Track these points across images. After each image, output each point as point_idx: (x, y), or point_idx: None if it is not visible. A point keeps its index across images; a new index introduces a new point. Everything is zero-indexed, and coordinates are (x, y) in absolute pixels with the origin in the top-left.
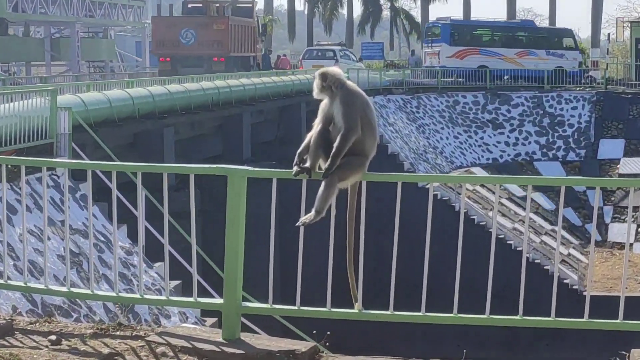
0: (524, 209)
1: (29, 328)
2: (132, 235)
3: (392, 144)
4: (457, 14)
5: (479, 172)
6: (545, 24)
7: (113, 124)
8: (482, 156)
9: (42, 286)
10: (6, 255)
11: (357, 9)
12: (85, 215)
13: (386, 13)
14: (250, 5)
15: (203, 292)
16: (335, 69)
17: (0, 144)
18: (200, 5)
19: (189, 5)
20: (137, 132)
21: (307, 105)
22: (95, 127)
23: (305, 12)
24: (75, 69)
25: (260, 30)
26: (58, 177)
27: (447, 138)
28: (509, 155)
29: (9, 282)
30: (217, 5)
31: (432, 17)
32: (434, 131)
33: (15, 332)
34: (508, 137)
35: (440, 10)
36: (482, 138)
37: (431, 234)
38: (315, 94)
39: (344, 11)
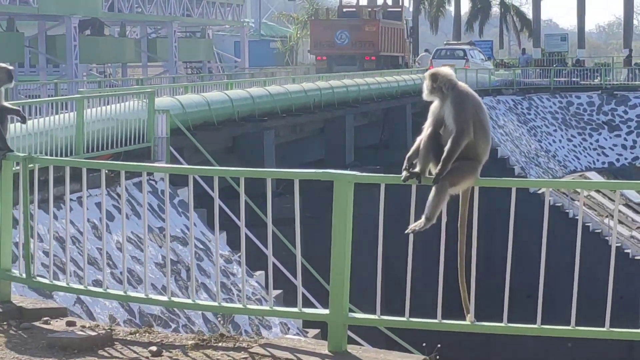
0: None
1: (128, 338)
2: (231, 243)
3: (502, 147)
4: (571, 9)
5: (594, 176)
6: None
7: (212, 127)
8: (598, 160)
9: (142, 295)
10: (105, 263)
11: (465, 6)
12: (184, 222)
13: (495, 10)
14: (400, 9)
15: (305, 302)
16: (446, 70)
17: (97, 147)
18: (354, 9)
19: (344, 10)
20: (237, 136)
21: (413, 107)
22: (194, 131)
23: (411, 9)
24: (173, 70)
25: (409, 33)
26: (156, 182)
27: (560, 141)
28: (625, 159)
29: (108, 290)
30: (370, 9)
31: (544, 14)
32: (546, 134)
33: (115, 343)
34: (625, 139)
35: (552, 6)
36: (597, 141)
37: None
38: (425, 95)
39: (451, 8)
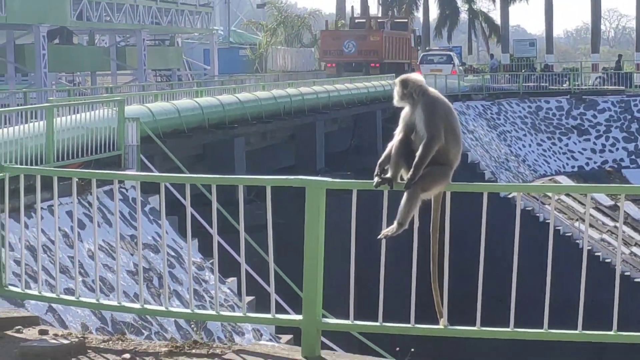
0: (612, 218)
1: (101, 346)
2: (203, 250)
3: (472, 152)
4: (539, 15)
5: (564, 180)
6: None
7: (182, 134)
8: (567, 164)
9: (114, 303)
10: (77, 271)
11: (433, 12)
12: (155, 230)
13: (464, 16)
14: (406, 20)
15: (278, 308)
16: (416, 76)
17: (68, 156)
18: (364, 20)
19: (355, 21)
20: (207, 143)
21: (383, 113)
22: (164, 138)
23: (379, 14)
24: (142, 78)
25: (416, 42)
26: (127, 190)
27: (529, 145)
28: (595, 162)
29: (80, 299)
30: (380, 20)
31: (512, 20)
32: (516, 138)
33: (88, 351)
34: (594, 143)
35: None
36: (566, 145)
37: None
38: (396, 101)
39: (419, 14)
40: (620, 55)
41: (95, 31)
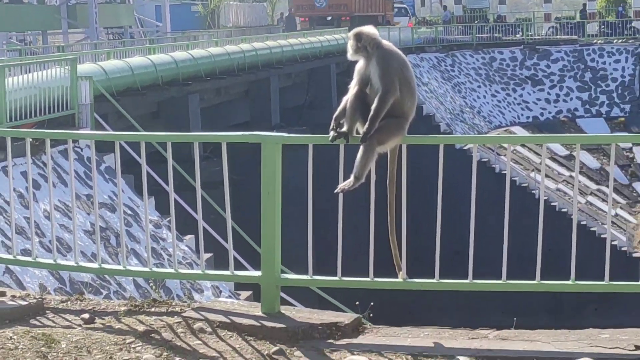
0: (567, 168)
1: (60, 307)
2: (159, 208)
3: (427, 104)
4: None
5: (519, 131)
6: None
7: (136, 92)
8: (522, 115)
9: (72, 263)
10: (33, 232)
11: None
12: (111, 189)
13: None
14: None
15: (237, 265)
16: (370, 28)
17: (21, 116)
18: None
19: None
20: (161, 101)
21: (337, 67)
22: (117, 97)
23: None
24: (94, 36)
25: None
26: (81, 149)
27: (484, 97)
28: (549, 112)
29: (37, 259)
30: None
31: None
32: (471, 90)
33: (47, 312)
34: (548, 93)
35: None
36: (521, 96)
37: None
38: (350, 55)
39: None
40: (584, 4)
41: None
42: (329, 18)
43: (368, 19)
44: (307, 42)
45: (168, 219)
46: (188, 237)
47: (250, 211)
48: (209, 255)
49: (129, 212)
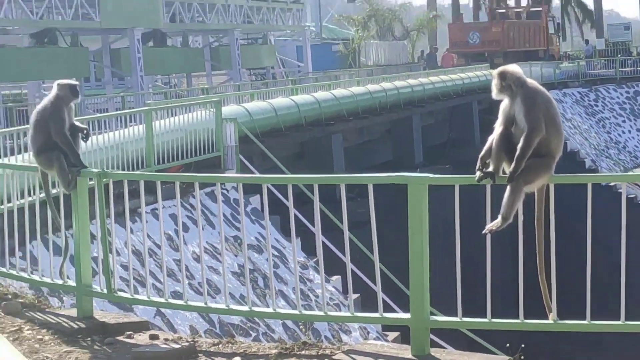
0: None
1: (212, 350)
2: (305, 249)
3: (572, 140)
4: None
5: None
6: None
7: (279, 133)
8: None
9: (222, 306)
10: (184, 275)
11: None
12: (257, 230)
13: (556, 1)
14: (540, 9)
15: (384, 306)
16: (514, 67)
17: (168, 159)
18: (504, 10)
19: (497, 11)
20: (304, 141)
21: (480, 104)
22: (262, 138)
23: (470, 5)
24: (237, 77)
25: (555, 29)
26: (227, 191)
27: (629, 132)
28: None
29: (189, 303)
30: (516, 10)
31: (605, 4)
32: (615, 125)
33: (199, 355)
34: None
35: None
36: None
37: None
38: (494, 94)
39: (511, 2)
40: None
41: (189, 32)
42: (485, 54)
43: (526, 54)
44: (449, 80)
45: (314, 259)
46: (334, 277)
47: (395, 251)
48: (356, 295)
49: (276, 253)
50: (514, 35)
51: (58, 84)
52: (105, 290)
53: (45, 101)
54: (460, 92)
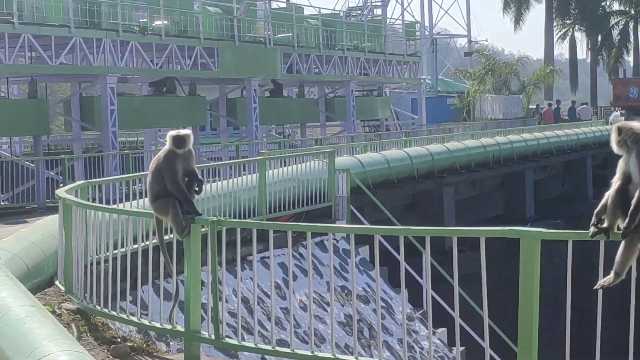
0: None
1: None
2: (412, 300)
3: None
4: None
5: None
6: None
7: (391, 184)
8: None
9: (329, 355)
10: (292, 324)
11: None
12: (364, 280)
13: None
14: None
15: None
16: (634, 123)
17: (279, 208)
18: None
19: None
20: (416, 192)
21: (594, 159)
22: (373, 189)
23: (588, 60)
24: (350, 129)
25: None
26: (337, 241)
27: None
28: None
29: (295, 351)
30: None
31: None
32: None
33: None
34: None
35: None
36: None
37: None
38: (615, 149)
39: (630, 58)
40: None
41: (305, 83)
42: None
43: None
44: (563, 135)
45: (421, 311)
46: (440, 330)
47: (499, 303)
48: (461, 348)
49: (382, 304)
50: None
51: (168, 135)
52: (212, 336)
53: (161, 151)
54: (575, 147)
